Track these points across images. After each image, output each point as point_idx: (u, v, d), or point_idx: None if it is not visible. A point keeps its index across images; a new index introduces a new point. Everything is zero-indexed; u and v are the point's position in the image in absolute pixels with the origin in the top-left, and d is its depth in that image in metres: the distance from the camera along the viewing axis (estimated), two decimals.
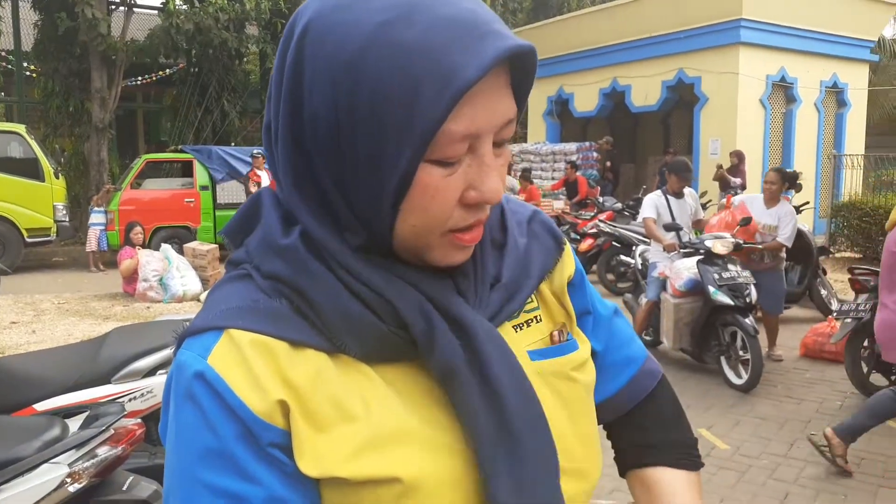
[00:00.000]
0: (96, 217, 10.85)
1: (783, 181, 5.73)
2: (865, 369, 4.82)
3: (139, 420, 2.28)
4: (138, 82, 15.30)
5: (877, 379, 4.85)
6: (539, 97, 16.34)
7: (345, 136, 0.59)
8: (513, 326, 0.71)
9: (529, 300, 0.73)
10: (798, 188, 6.71)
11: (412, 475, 0.60)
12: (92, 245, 10.82)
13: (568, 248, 0.79)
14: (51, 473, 1.88)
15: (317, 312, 0.62)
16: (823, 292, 7.00)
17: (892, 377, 4.85)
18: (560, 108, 16.06)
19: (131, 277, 8.31)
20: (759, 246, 5.63)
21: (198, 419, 0.59)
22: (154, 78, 15.48)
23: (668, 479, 0.79)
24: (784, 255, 5.82)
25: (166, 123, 16.70)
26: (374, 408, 0.62)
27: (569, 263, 0.79)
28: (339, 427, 0.60)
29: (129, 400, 2.61)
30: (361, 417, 0.61)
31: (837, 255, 10.30)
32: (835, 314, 5.16)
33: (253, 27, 15.40)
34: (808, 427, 4.34)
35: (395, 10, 0.56)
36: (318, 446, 0.60)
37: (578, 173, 12.48)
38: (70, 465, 1.91)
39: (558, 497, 0.64)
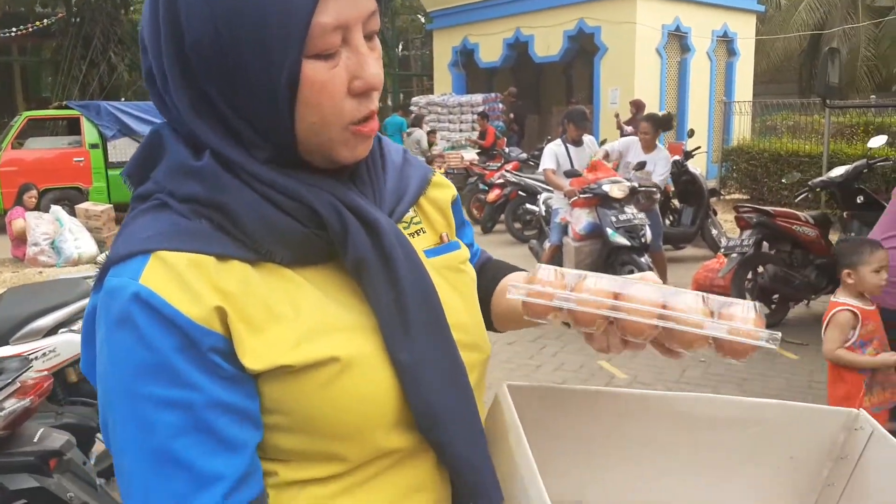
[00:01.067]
0: None
1: (656, 128, 6.05)
2: (749, 300, 5.21)
3: (46, 373, 2.22)
4: (12, 33, 14.14)
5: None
6: (444, 48, 16.26)
7: (231, 53, 0.63)
8: (408, 234, 0.80)
9: (414, 215, 0.84)
10: (670, 128, 7.07)
11: (347, 353, 0.68)
12: None
13: (438, 173, 0.91)
14: None
15: (238, 226, 0.66)
16: (714, 232, 7.46)
17: (773, 306, 5.29)
18: (465, 58, 16.06)
19: (20, 241, 7.84)
20: (654, 190, 5.93)
21: (133, 339, 0.62)
22: (30, 29, 14.35)
23: (518, 274, 0.96)
24: (659, 196, 6.18)
25: (47, 78, 15.62)
26: (303, 306, 0.68)
27: (448, 186, 0.91)
28: (273, 328, 0.66)
29: (32, 360, 2.53)
30: (291, 317, 0.67)
31: (728, 196, 10.94)
32: (722, 250, 5.54)
33: None
34: (698, 354, 4.69)
35: None
36: (256, 346, 0.65)
37: (489, 124, 12.62)
38: None
39: (454, 354, 0.75)
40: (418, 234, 0.82)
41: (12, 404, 1.92)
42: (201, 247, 0.65)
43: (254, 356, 0.64)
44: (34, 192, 8.35)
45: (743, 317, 0.72)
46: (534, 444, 0.85)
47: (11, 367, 2.03)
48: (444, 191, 0.89)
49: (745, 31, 14.42)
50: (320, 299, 0.69)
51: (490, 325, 0.98)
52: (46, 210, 8.34)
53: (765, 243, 5.28)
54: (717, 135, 13.28)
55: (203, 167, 0.66)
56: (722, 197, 10.29)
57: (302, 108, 0.65)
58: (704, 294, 0.74)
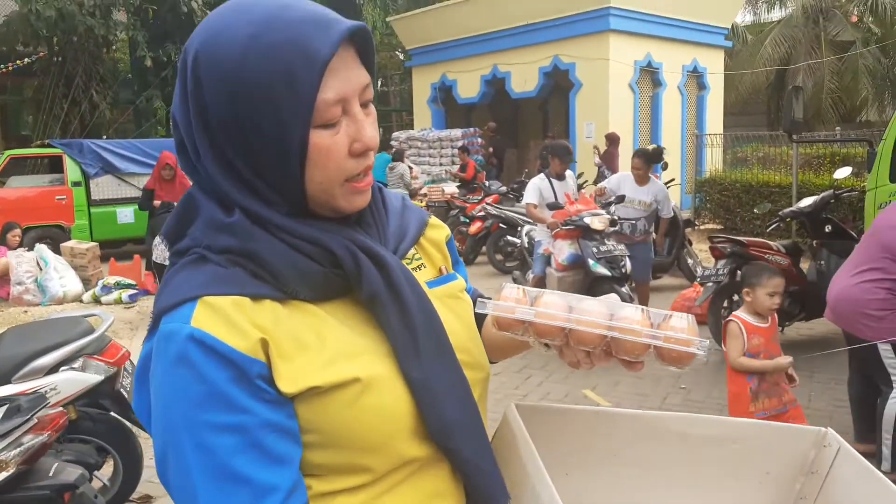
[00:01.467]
0: None
1: (648, 163, 6.23)
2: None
3: (61, 409, 2.28)
4: None
5: None
6: (423, 85, 16.55)
7: (250, 129, 0.75)
8: (411, 269, 0.91)
9: (415, 253, 0.95)
10: (661, 161, 7.27)
11: (367, 374, 0.78)
12: None
13: (434, 217, 1.03)
14: None
15: (268, 270, 0.77)
16: (690, 261, 7.65)
17: None
18: (444, 94, 16.35)
19: (3, 280, 7.80)
20: (635, 221, 6.11)
21: (190, 375, 0.72)
22: (11, 67, 14.36)
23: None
24: (652, 228, 6.36)
25: (28, 116, 15.59)
26: (326, 336, 0.78)
27: (443, 227, 1.03)
28: (301, 356, 0.76)
29: (47, 397, 2.57)
30: (317, 346, 0.77)
31: (702, 227, 11.19)
32: (698, 279, 5.70)
33: (121, 13, 14.60)
34: (679, 381, 4.82)
35: (258, 22, 0.74)
36: (289, 372, 0.75)
37: (469, 157, 12.87)
38: None
39: (458, 371, 0.85)
40: (420, 269, 0.94)
41: (30, 440, 1.99)
42: (239, 290, 0.75)
43: (287, 381, 0.74)
44: (17, 231, 8.34)
45: (677, 327, 0.81)
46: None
47: (27, 405, 2.10)
48: (439, 231, 1.02)
49: (714, 66, 14.89)
50: (340, 329, 0.79)
51: None
52: (30, 249, 8.32)
53: (739, 272, 5.44)
54: (689, 166, 13.60)
55: (234, 223, 0.77)
56: (697, 227, 10.53)
57: (311, 169, 0.77)
58: (645, 307, 0.84)
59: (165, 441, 0.74)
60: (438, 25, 15.46)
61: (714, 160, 12.49)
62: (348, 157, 0.78)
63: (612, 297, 0.86)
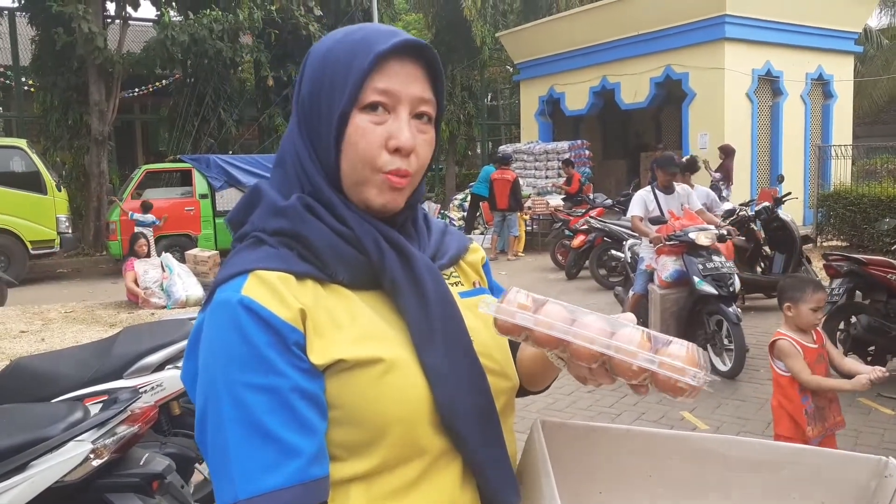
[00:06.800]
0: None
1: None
2: (842, 351, 5.01)
3: (153, 404, 2.48)
4: (135, 94, 15.49)
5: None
6: (531, 98, 16.56)
7: (320, 103, 0.88)
8: (448, 284, 0.96)
9: (453, 271, 1.02)
10: (696, 170, 7.05)
11: (390, 356, 0.84)
12: None
13: (475, 243, 1.10)
14: (76, 450, 2.09)
15: (313, 252, 0.85)
16: None
17: (868, 358, 5.05)
18: (551, 107, 16.28)
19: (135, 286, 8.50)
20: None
21: (237, 337, 0.79)
22: (151, 89, 15.67)
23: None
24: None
25: (164, 134, 16.89)
26: (358, 318, 0.85)
27: (480, 250, 1.10)
28: (333, 332, 0.83)
29: (141, 391, 2.79)
30: (348, 324, 0.84)
31: (825, 244, 10.50)
32: None
33: (247, 37, 15.57)
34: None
35: (346, 31, 0.91)
36: (320, 346, 0.82)
37: (574, 170, 12.81)
38: (93, 442, 2.11)
39: (474, 362, 0.89)
40: (457, 284, 1.00)
41: (123, 430, 2.19)
42: (286, 267, 0.83)
43: (318, 353, 0.81)
44: (143, 241, 9.06)
45: (675, 354, 0.78)
46: (564, 480, 0.94)
47: (123, 398, 2.31)
48: (476, 254, 1.09)
49: (842, 73, 13.95)
50: (370, 315, 0.86)
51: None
52: (158, 256, 9.03)
53: (858, 292, 5.08)
54: (813, 180, 12.81)
55: (288, 206, 0.86)
56: (821, 244, 9.91)
57: (346, 147, 0.86)
58: (650, 331, 0.81)
59: (207, 398, 0.80)
60: (546, 38, 15.44)
61: (840, 173, 11.69)
62: (382, 148, 0.85)
63: (627, 316, 0.85)
